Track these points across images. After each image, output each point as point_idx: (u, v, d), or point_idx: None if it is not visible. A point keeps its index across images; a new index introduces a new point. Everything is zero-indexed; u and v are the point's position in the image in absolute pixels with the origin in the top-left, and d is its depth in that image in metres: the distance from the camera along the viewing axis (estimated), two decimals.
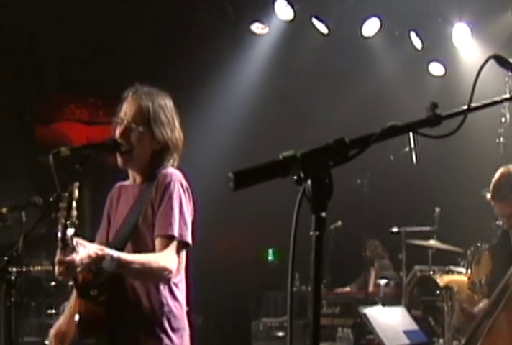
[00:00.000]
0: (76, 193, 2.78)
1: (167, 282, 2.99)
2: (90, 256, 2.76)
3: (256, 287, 8.63)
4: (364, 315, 5.54)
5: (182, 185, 3.05)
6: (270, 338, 7.59)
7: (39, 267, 7.15)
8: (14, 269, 3.05)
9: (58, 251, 2.75)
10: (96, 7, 7.78)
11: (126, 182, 3.26)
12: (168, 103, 3.17)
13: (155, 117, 3.09)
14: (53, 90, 8.68)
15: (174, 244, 2.95)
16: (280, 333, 7.54)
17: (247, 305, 8.71)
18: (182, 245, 2.99)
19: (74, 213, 2.75)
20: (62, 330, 3.05)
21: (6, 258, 2.97)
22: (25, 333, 5.95)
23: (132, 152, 3.09)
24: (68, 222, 2.72)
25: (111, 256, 2.81)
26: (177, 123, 3.18)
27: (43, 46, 8.05)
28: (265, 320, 7.82)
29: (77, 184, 2.81)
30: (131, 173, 3.21)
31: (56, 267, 2.80)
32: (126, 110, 3.13)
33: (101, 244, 3.21)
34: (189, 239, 3.01)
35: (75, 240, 2.73)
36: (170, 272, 2.92)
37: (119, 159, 3.11)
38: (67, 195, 2.77)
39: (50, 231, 7.44)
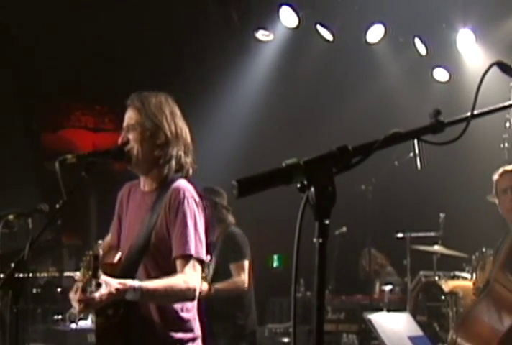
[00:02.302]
0: (101, 253, 2.84)
1: (193, 300, 3.02)
2: (111, 294, 2.80)
3: (261, 293, 8.61)
4: (369, 320, 5.53)
5: (195, 201, 3.06)
6: (275, 344, 7.58)
7: (45, 274, 7.17)
8: (21, 276, 3.06)
9: (79, 291, 2.83)
10: (101, 16, 7.82)
11: (136, 182, 3.26)
12: (162, 98, 3.19)
13: (146, 112, 3.12)
14: (59, 98, 8.72)
15: (192, 262, 2.98)
16: (285, 339, 7.54)
17: None
18: (200, 261, 3.02)
19: (100, 273, 2.81)
20: None
21: (12, 264, 2.98)
22: (32, 340, 5.96)
23: (133, 150, 3.10)
24: (95, 282, 2.79)
25: (134, 288, 2.84)
26: (176, 115, 3.19)
27: (49, 54, 8.09)
28: (270, 326, 7.82)
29: (100, 242, 2.90)
30: (141, 177, 3.22)
31: (76, 305, 2.87)
32: (125, 119, 3.19)
33: (112, 244, 3.25)
34: (204, 257, 3.04)
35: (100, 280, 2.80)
36: (194, 290, 2.96)
37: (125, 160, 3.14)
38: (91, 254, 2.82)
39: (56, 237, 7.47)
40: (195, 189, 3.13)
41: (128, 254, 3.11)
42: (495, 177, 4.54)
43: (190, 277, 2.95)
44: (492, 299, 4.03)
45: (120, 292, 2.82)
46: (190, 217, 3.01)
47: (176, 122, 3.17)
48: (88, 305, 2.82)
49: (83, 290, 2.81)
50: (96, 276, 2.79)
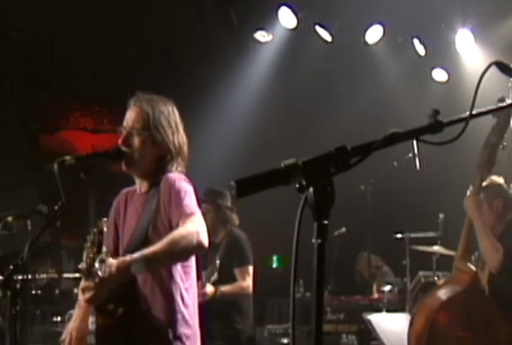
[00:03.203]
0: (105, 229, 2.81)
1: (201, 245, 2.92)
2: (112, 274, 2.77)
3: (260, 294, 8.60)
4: (369, 321, 5.53)
5: (185, 181, 3.08)
6: None
7: (44, 275, 7.17)
8: (20, 277, 3.05)
9: (82, 280, 2.81)
10: (100, 18, 7.82)
11: (133, 188, 3.28)
12: (170, 108, 3.20)
13: (155, 121, 3.12)
14: (58, 99, 8.72)
15: (191, 216, 2.95)
16: (285, 340, 7.53)
17: None
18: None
19: (104, 249, 2.79)
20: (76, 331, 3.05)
21: (11, 266, 2.98)
22: (31, 341, 5.96)
23: (134, 156, 3.11)
24: (99, 258, 2.75)
25: (136, 259, 2.82)
26: (180, 128, 3.20)
27: (49, 56, 8.09)
28: (270, 326, 7.81)
29: (105, 219, 2.85)
30: (136, 181, 3.24)
31: (80, 295, 2.85)
32: (128, 118, 3.18)
33: (107, 251, 3.24)
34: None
35: (102, 264, 2.77)
36: (198, 233, 2.89)
37: (123, 164, 3.14)
38: (95, 230, 2.79)
39: (55, 239, 7.45)
40: (189, 179, 3.14)
41: (127, 247, 3.11)
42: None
43: (190, 224, 2.91)
44: (448, 283, 4.20)
45: (123, 269, 2.79)
46: (183, 192, 3.01)
47: (180, 135, 3.19)
48: (94, 292, 2.79)
49: (87, 275, 2.78)
50: (100, 251, 2.76)
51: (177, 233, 2.88)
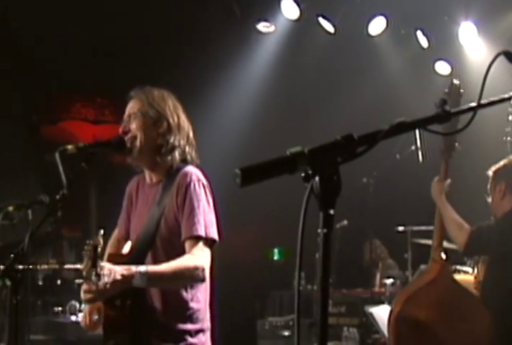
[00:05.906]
0: (101, 242, 2.81)
1: (203, 281, 2.98)
2: (115, 281, 2.78)
3: (261, 286, 8.61)
4: (370, 314, 5.53)
5: (202, 184, 3.06)
6: (276, 337, 7.57)
7: (45, 266, 7.16)
8: (21, 267, 3.04)
9: (84, 283, 2.83)
10: (101, 8, 7.79)
11: (144, 175, 3.25)
12: (165, 93, 3.23)
13: (150, 101, 3.14)
14: (60, 90, 8.71)
15: (201, 243, 2.96)
16: (286, 332, 7.52)
17: (252, 304, 8.70)
18: (210, 242, 3.01)
19: (100, 263, 2.79)
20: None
21: (12, 256, 2.97)
22: (32, 332, 5.96)
23: (136, 140, 3.11)
24: (94, 272, 2.76)
25: (140, 273, 2.82)
26: (178, 108, 3.21)
27: (50, 46, 8.07)
28: (271, 319, 7.80)
29: (101, 232, 2.84)
30: (145, 171, 3.22)
31: (82, 295, 2.85)
32: (127, 110, 3.20)
33: (120, 238, 3.24)
34: (215, 236, 3.02)
35: (103, 266, 2.79)
36: (203, 270, 2.93)
37: (127, 152, 3.13)
38: (91, 243, 2.79)
39: (56, 229, 7.44)
40: (204, 173, 3.12)
41: (135, 244, 3.11)
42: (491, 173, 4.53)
43: (198, 257, 2.94)
44: (424, 274, 4.24)
45: (125, 278, 2.80)
46: (197, 200, 3.00)
47: (179, 114, 3.18)
48: (94, 295, 2.80)
49: (87, 280, 2.80)
50: (94, 266, 2.77)
51: (184, 263, 2.92)
